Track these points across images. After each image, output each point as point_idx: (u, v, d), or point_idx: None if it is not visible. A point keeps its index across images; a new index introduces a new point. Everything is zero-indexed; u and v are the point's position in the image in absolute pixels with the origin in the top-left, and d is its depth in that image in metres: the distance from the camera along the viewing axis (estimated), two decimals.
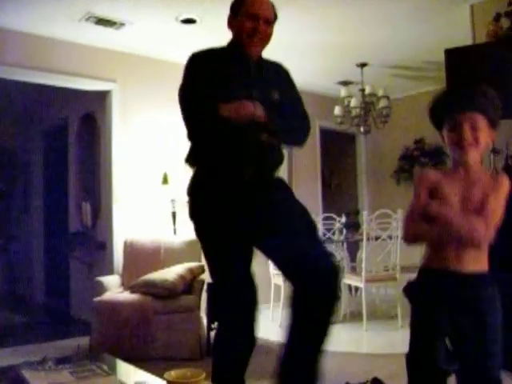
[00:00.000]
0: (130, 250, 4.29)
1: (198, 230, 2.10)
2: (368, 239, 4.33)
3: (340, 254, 4.83)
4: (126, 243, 4.34)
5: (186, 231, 3.64)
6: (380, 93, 5.23)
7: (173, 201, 4.53)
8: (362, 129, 5.39)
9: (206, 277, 3.47)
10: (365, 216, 4.46)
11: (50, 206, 6.24)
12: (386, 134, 5.87)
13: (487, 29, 3.52)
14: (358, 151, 6.97)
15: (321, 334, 1.92)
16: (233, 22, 2.08)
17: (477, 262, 1.57)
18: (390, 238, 4.38)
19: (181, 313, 3.63)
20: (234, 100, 1.90)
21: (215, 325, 2.23)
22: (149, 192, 4.65)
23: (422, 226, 1.59)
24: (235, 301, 2.07)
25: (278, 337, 4.15)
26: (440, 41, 4.04)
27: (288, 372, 1.96)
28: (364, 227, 4.42)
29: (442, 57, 3.52)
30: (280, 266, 2.11)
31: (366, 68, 5.28)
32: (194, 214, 2.10)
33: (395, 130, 6.08)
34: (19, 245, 6.78)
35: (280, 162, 2.14)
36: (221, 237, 2.02)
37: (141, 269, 4.02)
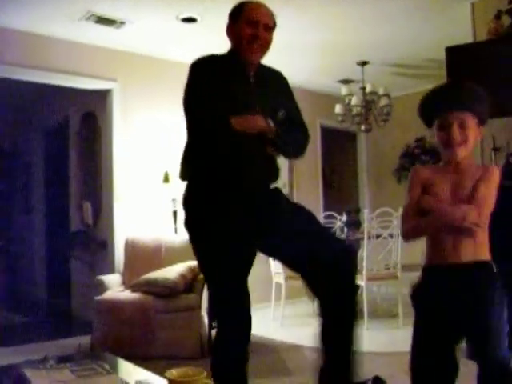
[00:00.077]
0: (131, 248, 4.29)
1: (197, 240, 2.05)
2: (369, 237, 4.31)
3: None
4: (127, 242, 4.34)
5: None
6: (381, 91, 5.23)
7: (174, 200, 4.53)
8: (362, 127, 5.40)
9: None
10: (366, 214, 4.45)
11: (51, 206, 6.24)
12: (386, 132, 5.87)
13: (488, 26, 3.52)
14: (358, 149, 6.97)
15: (352, 317, 2.02)
16: (232, 29, 2.06)
17: (475, 252, 1.58)
18: (391, 236, 4.36)
19: (182, 312, 3.63)
20: (238, 112, 1.89)
21: (216, 323, 2.22)
22: (150, 191, 4.66)
23: (418, 219, 1.63)
24: (233, 307, 2.04)
25: (279, 335, 4.19)
26: (441, 39, 4.03)
27: (333, 372, 2.01)
28: (365, 225, 4.40)
29: (442, 55, 3.52)
30: (294, 261, 2.11)
31: (366, 66, 5.28)
32: (193, 225, 2.05)
33: (396, 128, 6.07)
34: (20, 244, 6.80)
35: (278, 174, 2.15)
36: (224, 244, 1.97)
37: (142, 268, 4.02)
